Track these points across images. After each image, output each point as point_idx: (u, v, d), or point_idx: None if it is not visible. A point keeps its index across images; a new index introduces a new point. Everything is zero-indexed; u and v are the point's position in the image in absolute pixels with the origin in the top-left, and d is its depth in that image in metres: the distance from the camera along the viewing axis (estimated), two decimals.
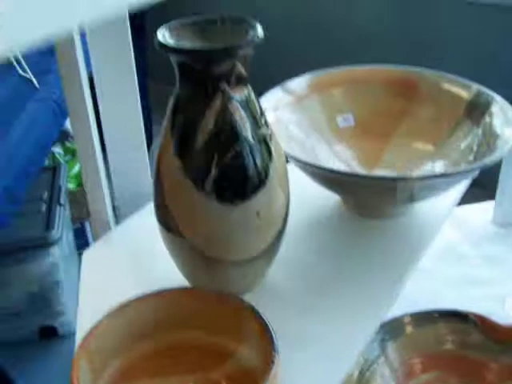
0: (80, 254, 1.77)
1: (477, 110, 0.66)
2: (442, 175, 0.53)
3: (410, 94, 0.71)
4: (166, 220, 0.52)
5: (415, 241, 0.64)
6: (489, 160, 0.55)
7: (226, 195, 0.47)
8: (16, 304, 1.43)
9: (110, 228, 0.68)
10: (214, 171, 0.47)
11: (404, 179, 0.54)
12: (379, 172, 0.65)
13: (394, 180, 0.54)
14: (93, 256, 0.62)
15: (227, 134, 0.46)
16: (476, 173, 0.58)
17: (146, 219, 0.61)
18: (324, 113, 0.70)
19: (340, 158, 0.67)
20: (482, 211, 0.88)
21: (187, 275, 0.55)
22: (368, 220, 0.65)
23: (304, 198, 0.65)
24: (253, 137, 0.47)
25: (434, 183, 0.55)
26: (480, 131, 0.64)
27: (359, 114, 0.71)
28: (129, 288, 0.57)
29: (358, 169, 0.66)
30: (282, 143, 0.59)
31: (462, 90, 0.69)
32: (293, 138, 0.65)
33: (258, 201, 0.48)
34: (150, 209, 0.57)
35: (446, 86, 0.70)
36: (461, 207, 0.84)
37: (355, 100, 0.71)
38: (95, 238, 0.69)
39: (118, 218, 0.71)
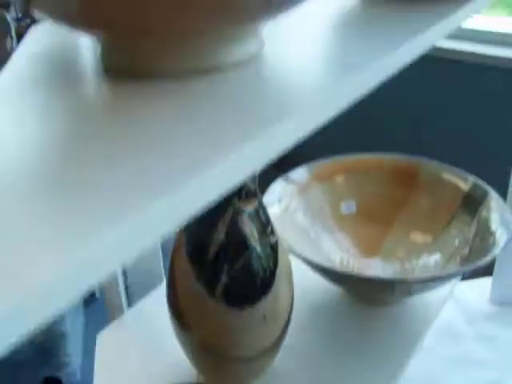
0: (85, 302, 1.78)
1: (473, 203, 0.70)
2: (438, 278, 0.57)
3: (410, 183, 0.75)
4: (177, 314, 0.55)
5: (414, 327, 0.68)
6: (482, 261, 0.58)
7: (234, 300, 0.51)
8: (22, 354, 1.45)
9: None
10: (224, 278, 0.50)
11: (402, 282, 0.57)
12: (379, 262, 0.69)
13: (392, 282, 0.57)
14: (107, 338, 0.65)
15: (237, 244, 0.50)
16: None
17: (159, 303, 0.64)
18: (327, 201, 0.73)
19: (342, 247, 0.70)
20: (479, 288, 0.91)
21: (195, 365, 0.58)
22: (369, 307, 0.68)
23: (306, 286, 0.68)
24: (261, 245, 0.51)
25: (431, 283, 0.58)
26: (475, 224, 0.68)
27: (361, 201, 0.75)
28: (141, 373, 0.60)
29: (358, 257, 0.70)
30: (288, 233, 0.62)
31: (460, 181, 0.73)
32: (298, 226, 0.69)
33: (265, 305, 0.52)
34: (162, 291, 0.61)
35: (445, 176, 0.74)
36: (458, 283, 0.86)
37: (356, 187, 0.75)
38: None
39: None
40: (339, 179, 0.75)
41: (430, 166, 0.75)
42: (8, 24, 0.36)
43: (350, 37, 0.42)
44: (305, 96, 0.31)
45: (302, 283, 0.60)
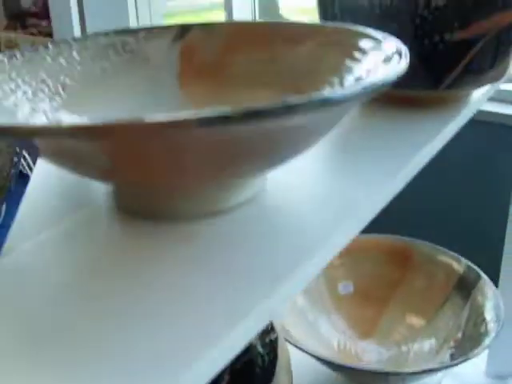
0: None
1: (466, 286, 0.73)
2: (431, 370, 0.59)
3: (405, 264, 0.77)
4: None
5: None
6: (474, 353, 0.61)
7: None
8: None
9: None
10: (226, 377, 0.52)
11: (395, 374, 0.59)
12: (375, 345, 0.71)
13: (386, 373, 0.59)
14: None
15: None
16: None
17: None
18: (325, 282, 0.76)
19: (338, 329, 0.72)
20: (475, 361, 0.92)
21: None
22: None
23: (302, 367, 0.70)
24: (261, 343, 0.53)
25: (424, 374, 0.60)
26: (468, 308, 0.70)
27: (358, 282, 0.77)
28: None
29: (355, 339, 0.72)
30: (287, 318, 0.65)
31: (454, 263, 0.75)
32: (297, 309, 0.71)
33: None
34: None
35: (439, 257, 0.76)
36: None
37: (353, 268, 0.78)
38: None
39: None
40: (336, 260, 0.77)
41: (424, 247, 0.77)
42: (16, 165, 0.38)
43: (350, 160, 0.43)
44: (309, 237, 0.33)
45: (297, 364, 0.62)
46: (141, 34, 0.46)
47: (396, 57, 0.32)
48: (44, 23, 1.99)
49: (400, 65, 0.31)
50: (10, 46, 2.06)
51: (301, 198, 0.38)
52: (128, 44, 0.46)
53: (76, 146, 0.26)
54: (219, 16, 2.02)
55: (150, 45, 0.46)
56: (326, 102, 0.25)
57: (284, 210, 0.36)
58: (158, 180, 0.30)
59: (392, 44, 0.35)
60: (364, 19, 0.48)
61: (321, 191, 0.39)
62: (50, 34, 1.75)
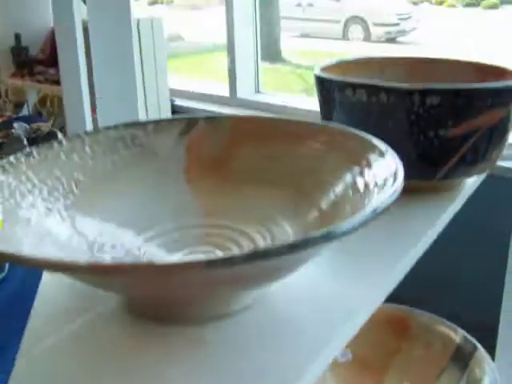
0: None
1: (462, 357, 0.74)
2: None
3: (403, 333, 0.78)
4: None
5: None
6: None
7: None
8: None
9: None
10: None
11: None
12: None
13: None
14: None
15: None
16: None
17: None
18: None
19: None
20: None
21: None
22: None
23: None
24: None
25: None
26: (465, 380, 0.71)
27: (356, 350, 0.78)
28: None
29: None
30: None
31: (451, 333, 0.76)
32: None
33: None
34: None
35: (437, 328, 0.78)
36: None
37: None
38: None
39: None
40: None
41: (422, 316, 0.79)
42: None
43: (349, 254, 0.43)
44: (313, 337, 0.34)
45: None
46: (149, 126, 0.48)
47: (390, 180, 0.34)
48: (51, 71, 2.03)
49: (394, 188, 0.33)
50: (17, 92, 2.11)
51: (302, 297, 0.39)
52: (137, 137, 0.48)
53: (87, 278, 0.28)
54: (222, 57, 2.06)
55: (158, 138, 0.48)
56: (327, 238, 0.27)
57: (287, 310, 0.37)
58: (166, 300, 0.32)
59: (392, 160, 0.36)
60: (362, 115, 0.50)
61: (322, 289, 0.40)
62: (57, 82, 1.78)
